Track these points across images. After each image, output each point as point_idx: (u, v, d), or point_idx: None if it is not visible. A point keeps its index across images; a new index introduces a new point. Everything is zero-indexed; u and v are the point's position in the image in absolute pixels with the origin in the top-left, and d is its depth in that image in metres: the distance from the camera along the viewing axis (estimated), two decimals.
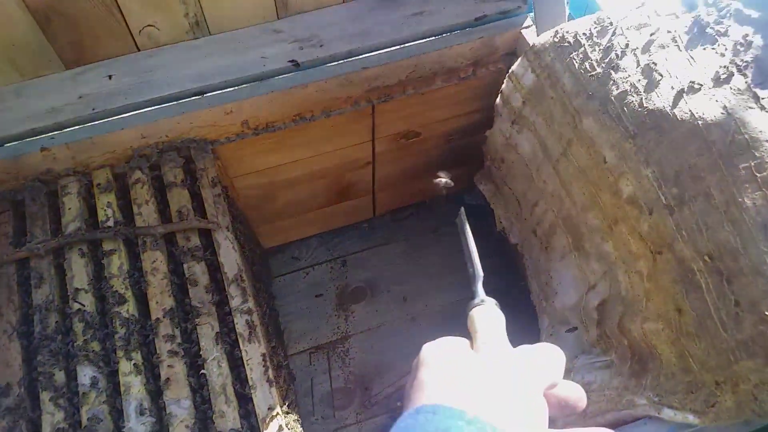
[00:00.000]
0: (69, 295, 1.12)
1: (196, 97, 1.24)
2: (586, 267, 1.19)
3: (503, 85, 1.27)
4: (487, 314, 0.51)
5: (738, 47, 0.99)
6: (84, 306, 1.11)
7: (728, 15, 1.03)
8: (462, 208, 0.69)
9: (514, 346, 0.51)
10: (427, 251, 1.78)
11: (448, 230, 1.82)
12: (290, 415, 1.09)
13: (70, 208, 1.19)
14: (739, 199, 0.89)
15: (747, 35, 1.00)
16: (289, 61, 1.27)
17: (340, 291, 1.72)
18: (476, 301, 0.53)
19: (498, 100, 1.31)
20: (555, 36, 1.13)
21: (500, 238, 1.61)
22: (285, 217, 1.66)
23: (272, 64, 1.27)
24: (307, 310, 1.69)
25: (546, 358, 0.46)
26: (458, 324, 1.60)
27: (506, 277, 1.69)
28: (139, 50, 1.27)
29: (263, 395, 1.03)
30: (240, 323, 1.09)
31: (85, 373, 1.05)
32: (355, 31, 1.30)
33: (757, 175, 0.89)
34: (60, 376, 1.05)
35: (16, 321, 1.10)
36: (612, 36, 1.07)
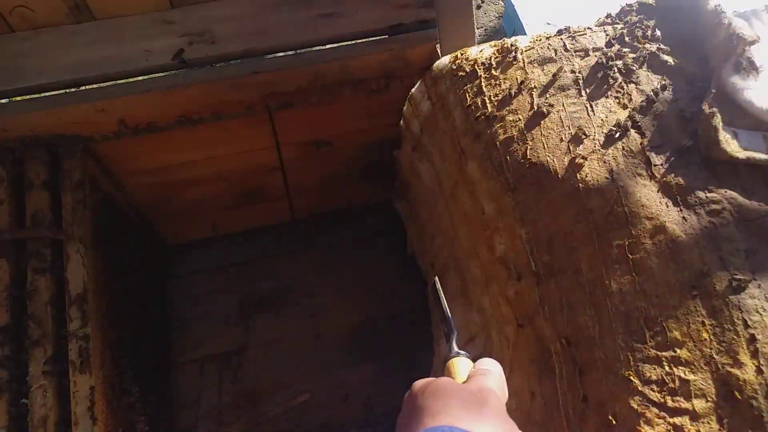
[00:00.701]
0: None
1: (68, 90, 1.13)
2: (469, 315, 1.09)
3: (404, 108, 1.15)
4: (463, 362, 0.62)
5: (643, 100, 0.87)
6: None
7: (642, 59, 0.91)
8: (436, 278, 0.80)
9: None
10: (344, 263, 1.68)
11: (369, 242, 1.71)
12: None
13: None
14: (607, 282, 0.79)
15: (657, 87, 0.88)
16: (175, 58, 1.15)
17: (244, 298, 1.63)
18: (452, 354, 0.63)
19: (401, 122, 1.19)
20: (454, 62, 1.01)
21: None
22: (189, 215, 1.55)
23: (156, 59, 1.15)
24: (206, 315, 1.60)
25: (501, 379, 0.59)
26: (362, 347, 1.51)
27: (419, 299, 1.59)
28: (13, 32, 1.15)
29: None
30: (73, 350, 0.99)
31: None
32: (254, 28, 1.18)
33: (630, 256, 0.78)
34: None
35: None
36: (513, 71, 0.95)
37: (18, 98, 1.12)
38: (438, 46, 1.19)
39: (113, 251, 1.22)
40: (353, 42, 1.19)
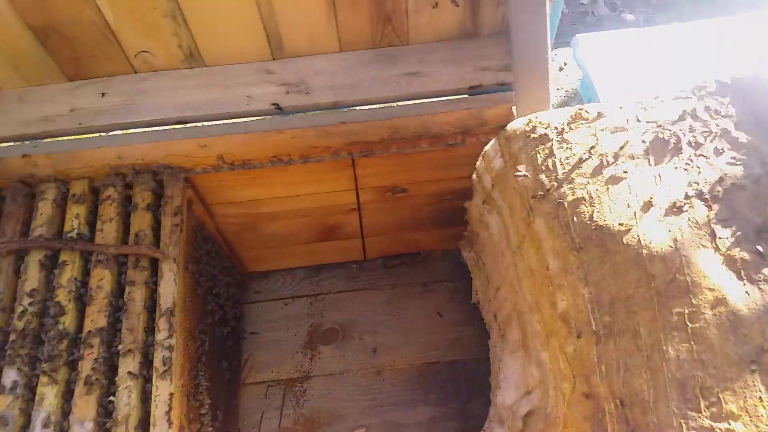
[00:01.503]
0: (16, 298, 1.17)
1: (177, 126, 1.27)
2: (528, 369, 1.11)
3: (477, 162, 1.21)
4: None
5: (712, 175, 0.90)
6: (27, 309, 1.15)
7: (714, 134, 0.94)
8: None
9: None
10: (410, 304, 1.74)
11: (437, 287, 1.76)
12: None
13: (41, 214, 1.25)
14: (664, 347, 0.81)
15: (727, 162, 0.90)
16: (272, 104, 1.27)
17: (312, 329, 1.71)
18: None
19: (474, 175, 1.25)
20: (528, 124, 1.06)
21: None
22: (269, 247, 1.66)
23: (256, 104, 1.27)
24: (276, 341, 1.69)
25: None
26: (420, 389, 1.55)
27: (482, 349, 1.61)
28: (135, 72, 1.31)
29: None
30: (158, 357, 1.10)
31: (9, 376, 1.09)
32: (344, 82, 1.28)
33: (689, 324, 0.80)
34: None
35: None
36: (584, 136, 1.00)
37: (133, 131, 1.27)
38: (514, 107, 1.25)
39: (200, 272, 1.33)
40: (434, 99, 1.27)
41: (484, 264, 1.36)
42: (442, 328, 1.70)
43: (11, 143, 1.26)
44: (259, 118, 1.27)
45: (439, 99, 1.26)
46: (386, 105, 1.27)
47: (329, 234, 1.65)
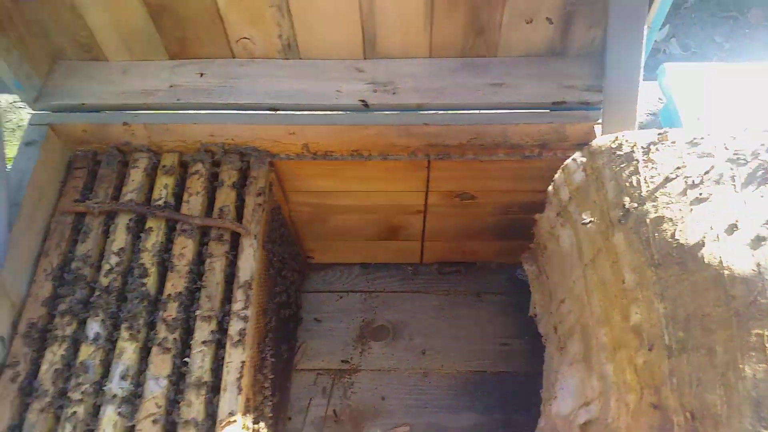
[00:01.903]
0: (104, 256, 1.24)
1: (268, 112, 1.33)
2: (588, 382, 1.13)
3: (556, 175, 1.24)
4: None
5: None
6: (113, 268, 1.22)
7: None
8: None
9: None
10: (461, 312, 1.76)
11: (490, 298, 1.79)
12: (251, 425, 1.13)
13: (133, 180, 1.32)
14: (740, 366, 0.82)
15: None
16: (360, 100, 1.32)
17: (364, 324, 1.75)
18: None
19: (550, 187, 1.28)
20: (614, 142, 1.09)
21: (534, 320, 1.56)
22: (333, 239, 1.71)
23: (344, 99, 1.33)
24: (329, 332, 1.73)
25: None
26: (467, 395, 1.57)
27: (530, 364, 1.63)
28: (234, 57, 1.38)
29: (229, 399, 1.08)
30: (233, 326, 1.15)
31: (92, 327, 1.16)
32: (430, 86, 1.33)
33: None
34: (73, 324, 1.17)
35: (56, 264, 1.24)
36: (669, 157, 1.02)
37: (227, 112, 1.34)
38: (595, 126, 1.28)
39: (273, 253, 1.38)
40: (517, 111, 1.31)
41: (547, 278, 1.38)
42: (492, 338, 1.72)
43: (114, 111, 1.34)
44: (347, 113, 1.33)
45: (522, 111, 1.30)
46: (469, 111, 1.31)
47: (391, 233, 1.69)
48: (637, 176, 1.02)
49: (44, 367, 1.13)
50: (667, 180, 0.99)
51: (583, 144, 1.29)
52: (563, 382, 1.24)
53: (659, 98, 1.80)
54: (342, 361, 1.68)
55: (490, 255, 1.79)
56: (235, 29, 1.30)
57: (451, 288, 1.81)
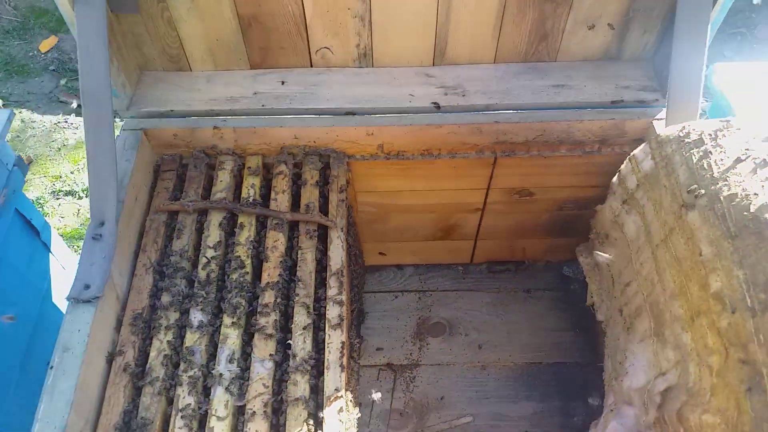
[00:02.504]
0: (201, 250, 1.32)
1: (347, 116, 1.43)
2: (661, 354, 1.21)
3: (622, 165, 1.35)
4: None
5: None
6: (210, 261, 1.30)
7: None
8: None
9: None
10: (513, 308, 1.85)
11: (539, 294, 1.87)
12: (351, 400, 1.20)
13: (221, 181, 1.41)
14: None
15: None
16: (432, 103, 1.43)
17: (421, 321, 1.83)
18: None
19: (615, 178, 1.38)
20: (681, 131, 1.20)
21: (584, 313, 1.65)
22: (391, 240, 1.80)
23: (417, 102, 1.43)
24: (387, 330, 1.81)
25: None
26: (525, 385, 1.64)
27: (583, 355, 1.71)
28: (312, 66, 1.48)
29: (334, 377, 1.15)
30: (331, 310, 1.23)
31: (195, 316, 1.23)
32: (497, 89, 1.44)
33: None
34: (176, 313, 1.24)
35: (155, 259, 1.32)
36: (737, 142, 1.13)
37: (309, 116, 1.44)
38: (653, 121, 1.39)
39: (351, 248, 1.47)
40: (579, 109, 1.42)
41: (608, 265, 1.47)
42: (544, 332, 1.80)
43: (203, 117, 1.43)
44: (420, 114, 1.43)
45: (584, 109, 1.41)
46: (535, 110, 1.42)
47: (447, 233, 1.78)
48: (708, 159, 1.13)
49: (153, 353, 1.20)
50: (738, 161, 1.09)
51: (640, 140, 1.41)
52: (633, 359, 1.33)
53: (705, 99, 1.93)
54: (403, 357, 1.76)
55: (538, 253, 1.88)
56: (317, 39, 1.41)
57: (502, 286, 1.90)
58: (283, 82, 1.47)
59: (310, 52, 1.45)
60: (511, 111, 1.42)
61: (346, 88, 1.46)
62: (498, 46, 1.43)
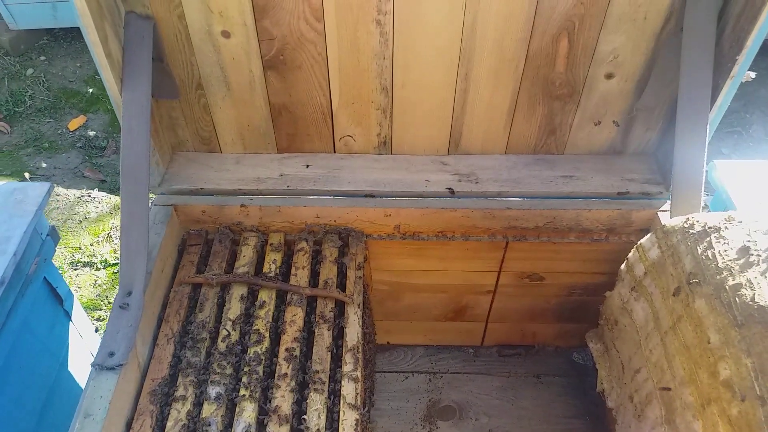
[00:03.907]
0: (222, 322, 1.36)
1: (367, 198, 1.51)
2: None
3: (630, 254, 1.40)
4: None
5: None
6: (230, 334, 1.34)
7: None
8: None
9: None
10: (524, 394, 1.85)
11: (550, 380, 1.88)
12: None
13: (244, 256, 1.47)
14: None
15: None
16: (447, 188, 1.51)
17: (431, 404, 1.82)
18: None
19: (623, 266, 1.43)
20: (686, 222, 1.26)
21: (595, 400, 1.65)
22: (402, 319, 1.83)
23: (433, 187, 1.51)
24: (397, 411, 1.80)
25: None
26: None
27: None
28: (335, 152, 1.58)
29: None
30: (346, 387, 1.25)
31: (214, 388, 1.26)
32: (508, 177, 1.52)
33: None
34: (194, 384, 1.26)
35: (176, 330, 1.35)
36: (739, 234, 1.19)
37: (331, 197, 1.51)
38: (658, 212, 1.46)
39: (365, 325, 1.50)
40: (587, 198, 1.49)
41: (618, 351, 1.50)
42: (554, 418, 1.79)
43: (231, 196, 1.52)
44: (436, 198, 1.51)
45: (593, 199, 1.48)
46: (546, 198, 1.49)
47: (458, 314, 1.82)
48: (712, 250, 1.19)
49: (170, 423, 1.22)
50: (741, 252, 1.15)
51: (645, 230, 1.47)
52: None
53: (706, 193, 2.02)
54: None
55: (548, 338, 1.90)
56: (341, 128, 1.51)
57: (512, 370, 1.91)
58: (307, 166, 1.56)
59: (334, 139, 1.55)
60: (521, 199, 1.49)
61: (366, 173, 1.54)
62: (509, 138, 1.53)
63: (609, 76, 1.39)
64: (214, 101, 1.46)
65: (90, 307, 2.37)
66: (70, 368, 1.66)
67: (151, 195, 1.54)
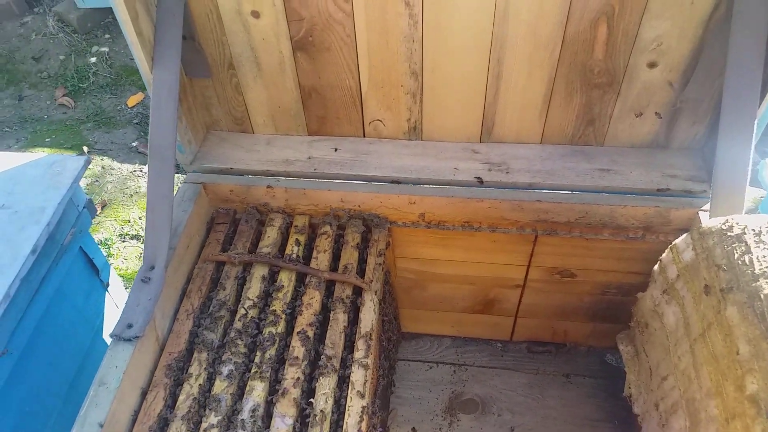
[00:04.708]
0: (241, 301, 1.38)
1: (392, 184, 1.49)
2: None
3: (663, 254, 1.32)
4: None
5: None
6: (248, 313, 1.35)
7: None
8: None
9: None
10: (551, 392, 1.79)
11: (579, 380, 1.81)
12: None
13: (269, 236, 1.48)
14: None
15: None
16: (476, 177, 1.47)
17: (454, 396, 1.80)
18: None
19: (656, 267, 1.36)
20: (724, 224, 1.18)
21: (625, 405, 1.58)
22: (429, 308, 1.81)
23: (461, 175, 1.47)
24: (418, 400, 1.79)
25: None
26: None
27: None
28: (364, 136, 1.56)
29: None
30: (355, 373, 1.24)
31: (226, 365, 1.27)
32: (542, 168, 1.46)
33: None
34: (209, 360, 1.29)
35: (197, 306, 1.38)
36: None
37: (357, 182, 1.50)
38: (699, 212, 1.37)
39: (384, 312, 1.49)
40: (625, 194, 1.42)
41: (647, 356, 1.42)
42: (580, 420, 1.73)
43: (259, 176, 1.53)
44: (464, 187, 1.46)
45: (629, 194, 1.41)
46: (578, 192, 1.43)
47: (486, 307, 1.77)
48: (750, 255, 1.10)
49: (182, 397, 1.24)
50: None
51: (684, 229, 1.38)
52: None
53: (752, 198, 1.88)
54: (431, 430, 1.72)
55: (580, 337, 1.83)
56: (371, 112, 1.49)
57: (541, 368, 1.85)
58: (336, 149, 1.55)
59: (363, 123, 1.53)
60: (553, 191, 1.43)
61: (394, 158, 1.52)
62: (545, 128, 1.47)
63: (652, 65, 1.31)
64: (246, 82, 1.47)
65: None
66: (104, 336, 1.73)
67: (184, 173, 1.57)
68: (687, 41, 1.25)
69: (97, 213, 2.72)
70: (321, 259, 1.43)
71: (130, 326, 1.23)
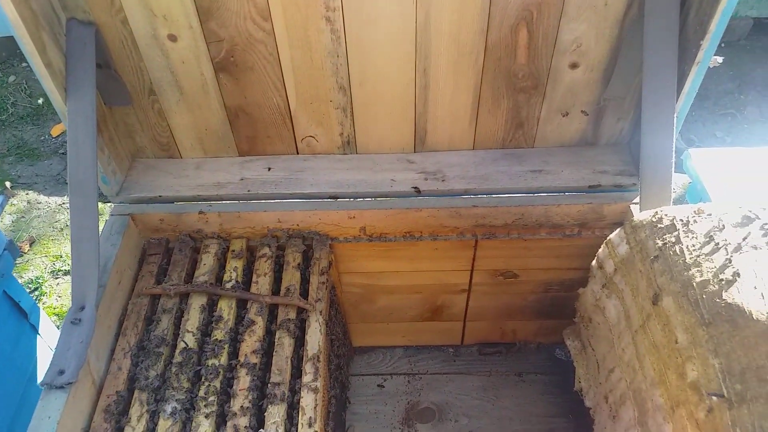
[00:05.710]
0: (180, 334, 1.32)
1: (329, 200, 1.46)
2: None
3: (600, 250, 1.35)
4: None
5: None
6: (188, 346, 1.30)
7: None
8: None
9: None
10: (506, 393, 1.80)
11: (532, 378, 1.83)
12: None
13: (204, 264, 1.43)
14: None
15: None
16: (413, 187, 1.46)
17: (410, 406, 1.78)
18: None
19: (594, 262, 1.38)
20: (654, 216, 1.21)
21: (578, 398, 1.60)
22: (378, 320, 1.79)
23: (398, 186, 1.47)
24: (375, 415, 1.76)
25: None
26: None
27: None
28: (297, 153, 1.53)
29: None
30: (305, 398, 1.21)
31: (170, 402, 1.22)
32: (476, 174, 1.47)
33: None
34: (150, 399, 1.23)
35: (134, 343, 1.32)
36: (708, 228, 1.13)
37: (293, 201, 1.47)
38: (630, 205, 1.41)
39: (331, 331, 1.46)
40: (557, 194, 1.44)
41: (593, 350, 1.45)
42: (536, 418, 1.75)
43: (190, 202, 1.47)
44: (401, 198, 1.46)
45: (562, 194, 1.43)
46: (513, 195, 1.44)
47: (435, 314, 1.77)
48: (680, 245, 1.13)
49: None
50: (708, 247, 1.10)
51: (618, 223, 1.42)
52: None
53: (681, 184, 1.95)
54: None
55: (529, 335, 1.85)
56: (302, 128, 1.46)
57: (493, 369, 1.86)
58: (269, 168, 1.51)
59: (295, 140, 1.50)
60: (488, 196, 1.44)
61: (329, 174, 1.50)
62: (476, 134, 1.48)
63: (574, 66, 1.33)
64: (169, 106, 1.42)
65: None
66: (39, 383, 1.63)
67: (110, 204, 1.51)
68: (604, 41, 1.29)
69: (26, 251, 2.58)
70: (262, 283, 1.40)
71: (61, 372, 1.16)
